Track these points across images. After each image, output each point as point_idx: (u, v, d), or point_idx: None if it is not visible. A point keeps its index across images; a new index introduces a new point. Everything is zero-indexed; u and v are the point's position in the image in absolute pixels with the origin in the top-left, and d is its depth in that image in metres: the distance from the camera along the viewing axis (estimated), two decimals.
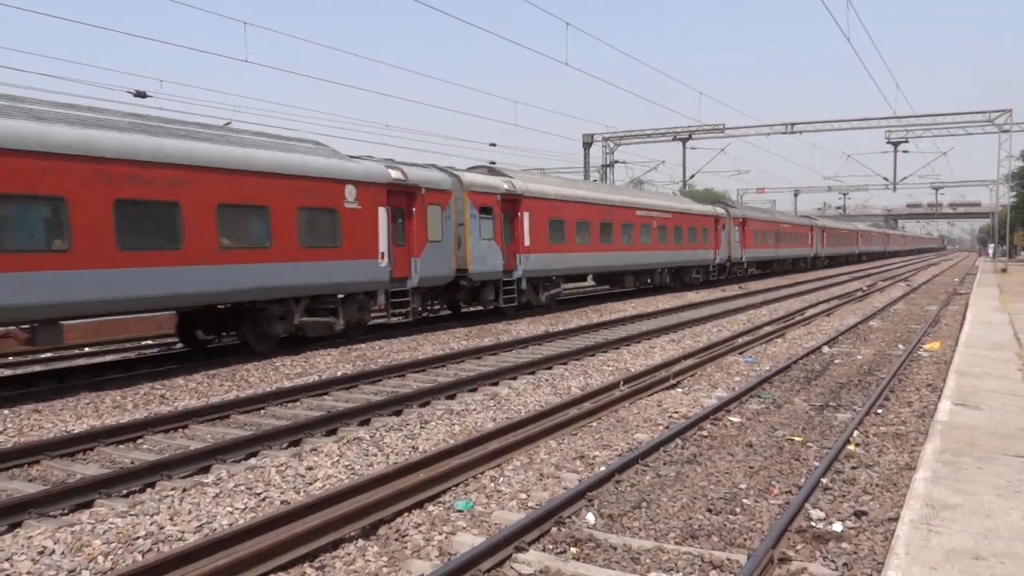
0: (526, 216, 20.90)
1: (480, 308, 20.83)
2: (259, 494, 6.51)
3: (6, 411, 9.74)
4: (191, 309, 14.05)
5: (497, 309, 20.70)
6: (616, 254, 26.26)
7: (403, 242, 16.71)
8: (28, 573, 5.00)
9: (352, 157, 16.18)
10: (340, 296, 15.37)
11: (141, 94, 22.73)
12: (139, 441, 8.49)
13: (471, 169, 21.04)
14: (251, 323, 14.05)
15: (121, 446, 8.28)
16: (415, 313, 17.62)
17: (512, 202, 20.53)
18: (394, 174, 16.43)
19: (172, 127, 12.83)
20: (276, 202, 13.67)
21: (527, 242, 21.01)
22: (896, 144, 45.67)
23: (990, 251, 77.29)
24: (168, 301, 12.26)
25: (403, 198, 16.70)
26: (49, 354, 15.29)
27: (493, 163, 25.66)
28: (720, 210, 37.13)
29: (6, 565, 5.10)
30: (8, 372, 13.65)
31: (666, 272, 31.26)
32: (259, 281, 13.32)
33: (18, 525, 5.87)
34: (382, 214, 15.95)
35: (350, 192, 15.20)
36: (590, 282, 28.14)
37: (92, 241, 10.89)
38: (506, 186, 20.37)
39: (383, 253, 15.99)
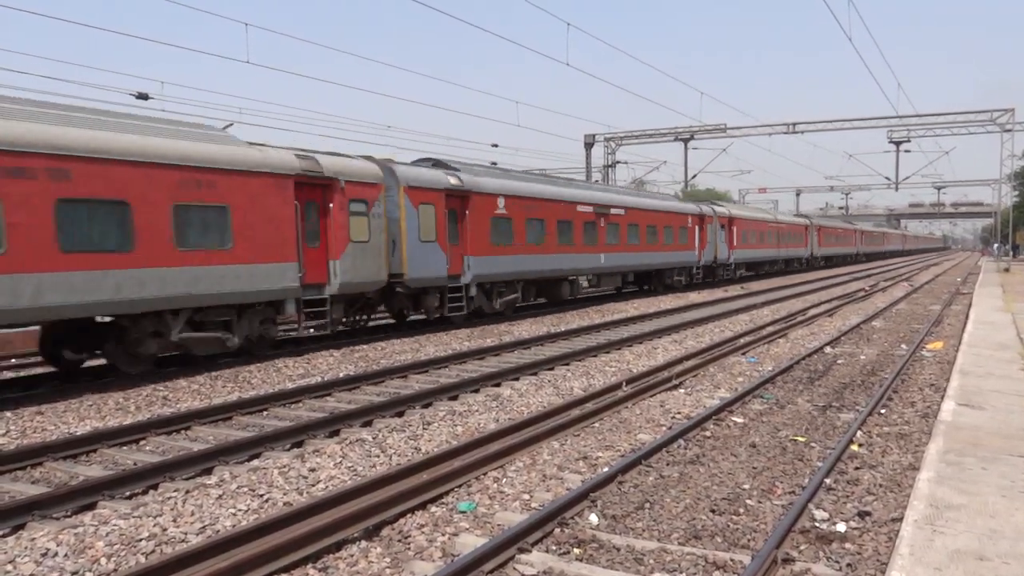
0: (735, 229, 37.66)
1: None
2: (262, 495, 6.51)
3: (9, 413, 9.75)
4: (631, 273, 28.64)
5: (718, 279, 37.23)
6: (766, 250, 43.33)
7: (699, 241, 33.42)
8: (31, 575, 5.00)
9: (680, 199, 36.07)
10: (681, 268, 32.08)
11: (143, 96, 22.76)
12: (142, 443, 8.50)
13: (702, 202, 37.25)
14: (657, 278, 30.79)
15: (124, 448, 8.29)
16: (702, 277, 34.13)
17: (729, 220, 36.97)
18: (697, 209, 33.42)
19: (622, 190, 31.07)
20: (673, 224, 30.42)
21: (735, 243, 37.54)
22: (898, 144, 45.62)
23: (994, 250, 77.16)
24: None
25: (701, 221, 33.58)
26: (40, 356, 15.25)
27: (713, 202, 40.22)
28: (806, 220, 54.05)
29: (9, 567, 5.10)
30: (11, 374, 13.67)
31: (782, 262, 48.02)
32: (658, 261, 29.38)
33: (21, 527, 5.88)
34: (696, 229, 32.83)
35: (688, 219, 32.14)
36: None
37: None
38: (727, 212, 37.09)
39: (695, 247, 32.87)
